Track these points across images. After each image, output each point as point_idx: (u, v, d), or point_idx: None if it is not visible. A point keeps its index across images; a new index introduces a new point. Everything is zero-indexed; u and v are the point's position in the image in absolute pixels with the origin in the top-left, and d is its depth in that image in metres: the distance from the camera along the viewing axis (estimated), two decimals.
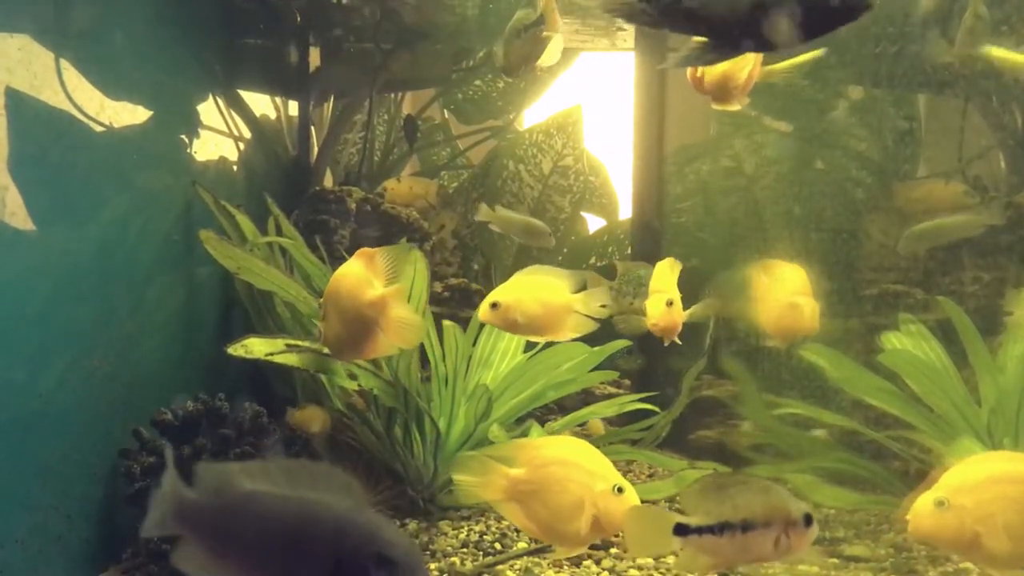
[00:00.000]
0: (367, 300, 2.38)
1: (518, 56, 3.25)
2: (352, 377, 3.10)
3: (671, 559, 2.89)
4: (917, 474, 3.31)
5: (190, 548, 1.33)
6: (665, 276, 2.88)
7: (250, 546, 1.31)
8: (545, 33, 3.24)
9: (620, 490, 2.14)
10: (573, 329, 2.60)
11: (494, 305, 2.55)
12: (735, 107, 2.53)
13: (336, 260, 3.58)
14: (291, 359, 2.95)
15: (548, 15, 3.26)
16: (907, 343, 3.32)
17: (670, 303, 2.84)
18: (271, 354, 2.91)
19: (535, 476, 2.21)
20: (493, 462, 2.25)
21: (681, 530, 1.89)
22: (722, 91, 2.50)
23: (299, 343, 2.98)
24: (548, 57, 3.02)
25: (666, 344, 2.92)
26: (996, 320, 3.35)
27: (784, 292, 2.81)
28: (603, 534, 2.25)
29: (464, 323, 3.46)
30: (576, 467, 2.19)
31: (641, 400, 3.62)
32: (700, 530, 1.88)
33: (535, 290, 2.57)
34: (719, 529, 1.88)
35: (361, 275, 2.40)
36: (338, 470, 1.33)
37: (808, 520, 1.89)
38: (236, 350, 2.86)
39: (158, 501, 1.35)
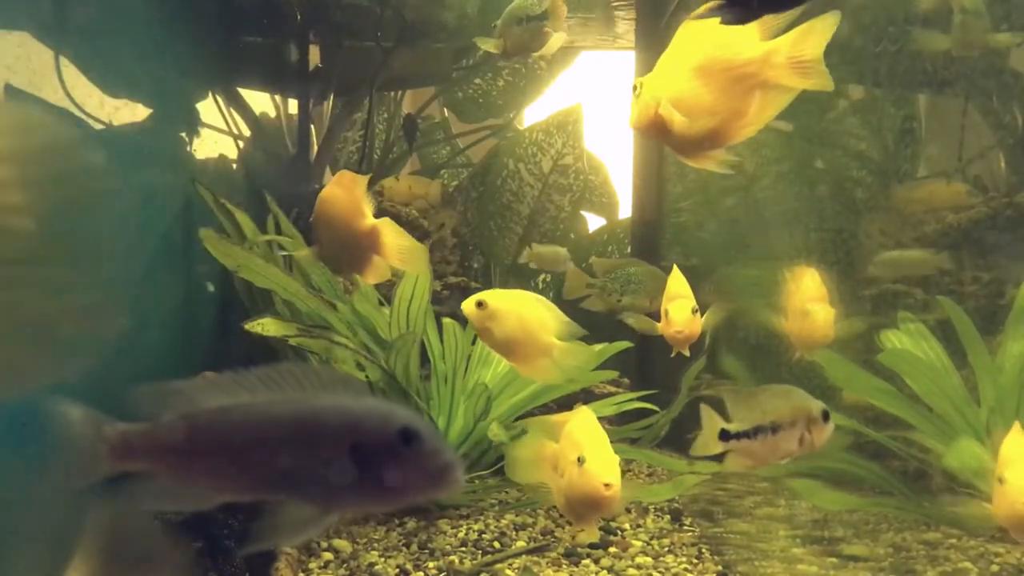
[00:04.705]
0: (362, 230, 2.47)
1: (517, 44, 3.26)
2: (360, 368, 3.12)
3: (670, 558, 2.89)
4: (916, 473, 3.32)
5: (154, 482, 1.29)
6: (682, 281, 2.82)
7: (258, 458, 1.27)
8: (547, 29, 3.25)
9: (581, 460, 2.16)
10: (539, 372, 2.52)
11: (480, 304, 2.49)
12: (711, 166, 1.94)
13: None
14: (304, 342, 2.98)
15: (554, 11, 3.26)
16: (906, 342, 3.32)
17: (695, 311, 2.76)
18: (287, 336, 2.95)
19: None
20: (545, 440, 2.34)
21: (724, 435, 2.21)
22: (699, 146, 1.91)
23: (310, 329, 3.03)
24: (546, 49, 3.03)
25: (673, 354, 2.88)
26: (995, 320, 3.34)
27: (798, 299, 2.78)
28: (577, 511, 2.26)
29: (464, 321, 3.46)
30: (567, 437, 2.27)
31: (640, 399, 3.62)
32: (738, 435, 2.19)
33: (524, 314, 2.47)
34: (753, 433, 2.17)
35: (350, 202, 2.47)
36: (327, 367, 1.31)
37: (826, 416, 2.17)
38: (253, 327, 2.92)
39: (82, 444, 1.30)
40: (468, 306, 2.50)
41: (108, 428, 1.30)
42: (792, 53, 1.77)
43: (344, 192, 2.47)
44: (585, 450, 2.18)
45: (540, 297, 2.52)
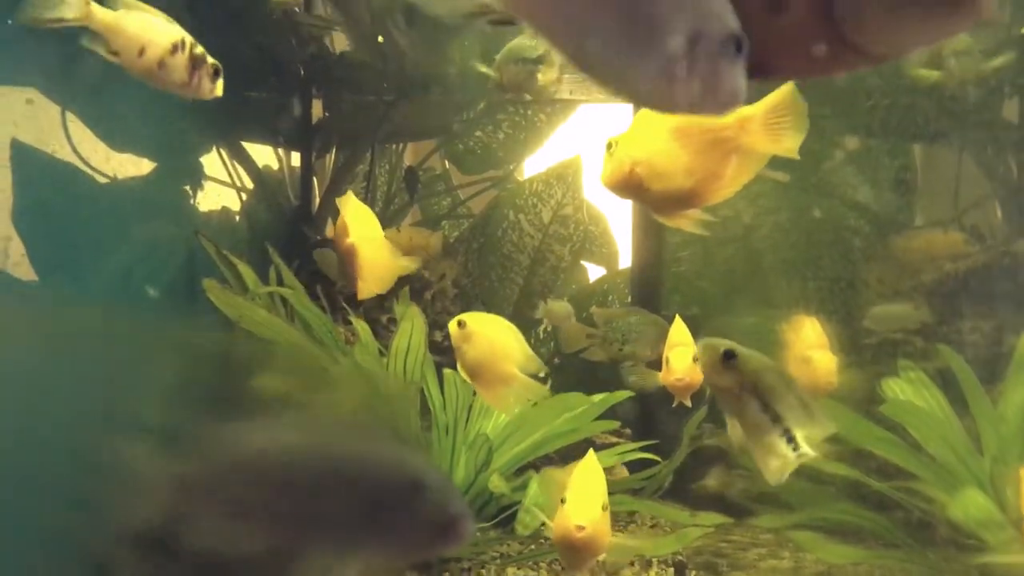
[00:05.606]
0: (343, 247, 2.68)
1: (511, 81, 3.37)
2: None
3: None
4: (919, 524, 3.29)
5: (200, 524, 1.31)
6: (684, 330, 2.83)
7: (277, 503, 1.29)
8: (540, 74, 3.35)
9: (563, 501, 2.18)
10: (497, 399, 2.59)
11: (460, 323, 2.56)
12: (686, 225, 2.00)
13: (337, 310, 3.60)
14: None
15: (549, 59, 3.37)
16: (908, 390, 3.32)
17: (695, 359, 2.73)
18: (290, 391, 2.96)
19: None
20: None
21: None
22: (675, 206, 1.94)
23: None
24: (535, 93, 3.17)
25: (675, 404, 2.88)
26: (996, 369, 3.34)
27: (799, 347, 2.78)
28: (561, 554, 2.29)
29: None
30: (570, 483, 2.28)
31: (642, 450, 3.61)
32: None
33: (496, 340, 2.55)
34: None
35: (340, 222, 2.70)
36: (349, 419, 1.34)
37: None
38: (257, 385, 2.92)
39: (141, 484, 1.32)
40: (452, 324, 2.57)
41: (170, 467, 1.32)
42: (767, 120, 1.80)
43: (340, 213, 2.61)
44: (568, 491, 2.18)
45: (513, 328, 2.57)
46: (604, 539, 2.20)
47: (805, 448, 1.90)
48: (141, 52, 2.32)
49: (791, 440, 1.91)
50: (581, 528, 2.13)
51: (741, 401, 1.91)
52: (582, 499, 2.18)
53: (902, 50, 1.03)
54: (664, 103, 0.98)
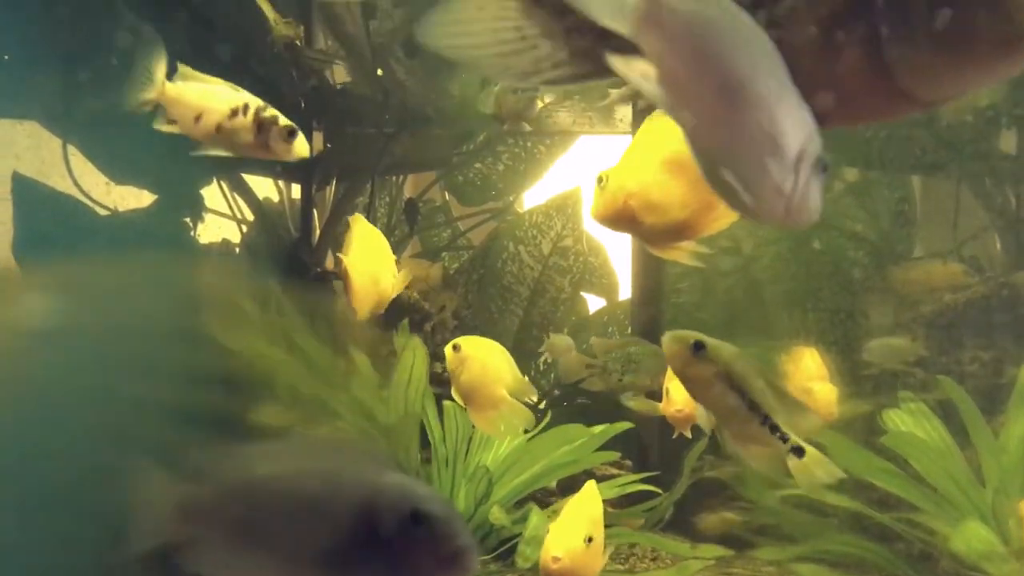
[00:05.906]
0: (341, 268, 2.69)
1: (510, 110, 3.40)
2: None
3: None
4: (921, 555, 3.27)
5: (202, 548, 1.28)
6: None
7: (276, 530, 1.27)
8: (538, 100, 3.39)
9: (546, 532, 2.22)
10: (486, 422, 2.61)
11: (455, 347, 2.58)
12: (682, 258, 1.92)
13: (338, 341, 3.59)
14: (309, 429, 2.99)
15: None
16: (908, 422, 3.31)
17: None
18: (290, 424, 2.96)
19: None
20: None
21: (799, 451, 1.87)
22: (669, 238, 1.88)
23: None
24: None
25: (675, 435, 2.88)
26: (996, 400, 3.34)
27: (800, 378, 2.78)
28: None
29: None
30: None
31: (642, 481, 3.59)
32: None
33: (488, 364, 2.58)
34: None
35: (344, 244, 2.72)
36: (358, 441, 1.32)
37: None
38: (257, 417, 2.92)
39: (150, 506, 1.30)
40: (447, 348, 2.60)
41: (177, 490, 1.30)
42: None
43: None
44: (553, 522, 2.18)
45: (506, 352, 2.58)
46: (588, 571, 2.18)
47: (795, 439, 1.87)
48: (197, 119, 2.39)
49: (775, 430, 1.87)
50: (556, 559, 2.11)
51: (715, 392, 1.87)
52: (563, 530, 2.17)
53: (953, 94, 1.03)
54: (768, 214, 1.02)
